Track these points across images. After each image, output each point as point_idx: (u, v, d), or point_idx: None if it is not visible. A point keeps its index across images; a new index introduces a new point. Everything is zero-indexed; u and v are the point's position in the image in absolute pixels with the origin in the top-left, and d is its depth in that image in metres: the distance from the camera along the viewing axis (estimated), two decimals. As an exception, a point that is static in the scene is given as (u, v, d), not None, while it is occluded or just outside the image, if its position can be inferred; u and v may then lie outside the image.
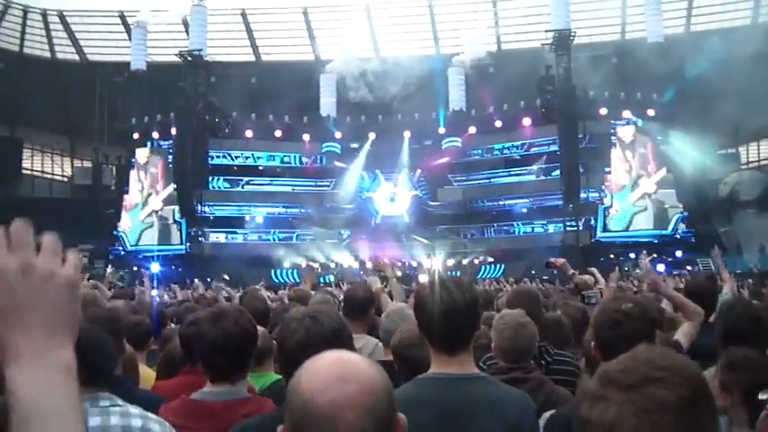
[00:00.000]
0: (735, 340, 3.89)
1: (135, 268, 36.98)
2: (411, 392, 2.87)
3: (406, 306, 4.97)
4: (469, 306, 3.01)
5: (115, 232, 40.18)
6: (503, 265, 35.47)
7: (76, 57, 46.39)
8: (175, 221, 39.55)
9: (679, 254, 34.25)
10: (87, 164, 47.73)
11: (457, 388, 2.93)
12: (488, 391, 3.02)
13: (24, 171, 46.85)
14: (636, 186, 37.53)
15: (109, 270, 35.62)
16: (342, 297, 6.34)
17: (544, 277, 23.05)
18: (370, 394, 1.48)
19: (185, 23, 42.14)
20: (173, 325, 6.49)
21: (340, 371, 1.50)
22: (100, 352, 3.17)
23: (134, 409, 3.02)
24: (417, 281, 17.90)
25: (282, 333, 3.02)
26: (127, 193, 41.13)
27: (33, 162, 48.49)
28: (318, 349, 2.72)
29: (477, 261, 37.89)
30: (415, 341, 3.53)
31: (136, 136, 40.87)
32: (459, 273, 34.19)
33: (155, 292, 14.82)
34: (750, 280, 17.25)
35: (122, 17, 44.18)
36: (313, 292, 8.88)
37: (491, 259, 37.56)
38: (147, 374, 4.76)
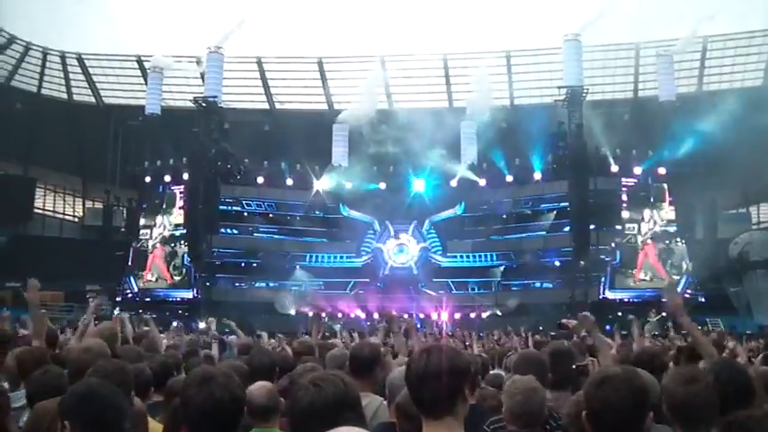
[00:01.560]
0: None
1: (141, 311, 37.12)
2: None
3: None
4: (449, 373, 2.97)
5: (124, 275, 40.12)
6: (510, 320, 35.21)
7: (93, 99, 46.81)
8: (184, 265, 39.61)
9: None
10: (98, 205, 47.99)
11: None
12: None
13: (36, 210, 47.00)
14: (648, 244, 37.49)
15: (116, 312, 35.70)
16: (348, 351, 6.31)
17: (552, 333, 22.83)
18: None
19: (201, 69, 42.55)
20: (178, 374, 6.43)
21: None
22: (109, 406, 3.19)
23: None
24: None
25: (291, 398, 3.01)
26: (137, 235, 41.24)
27: (45, 201, 48.70)
28: (322, 416, 2.73)
29: (484, 315, 37.71)
30: None
31: (148, 179, 41.08)
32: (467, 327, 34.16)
33: (164, 338, 14.82)
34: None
35: (139, 61, 44.64)
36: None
37: (499, 313, 37.36)
38: (154, 428, 4.73)
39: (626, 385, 3.12)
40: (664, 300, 34.84)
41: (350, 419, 2.63)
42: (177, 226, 40.76)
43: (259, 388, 4.30)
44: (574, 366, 5.86)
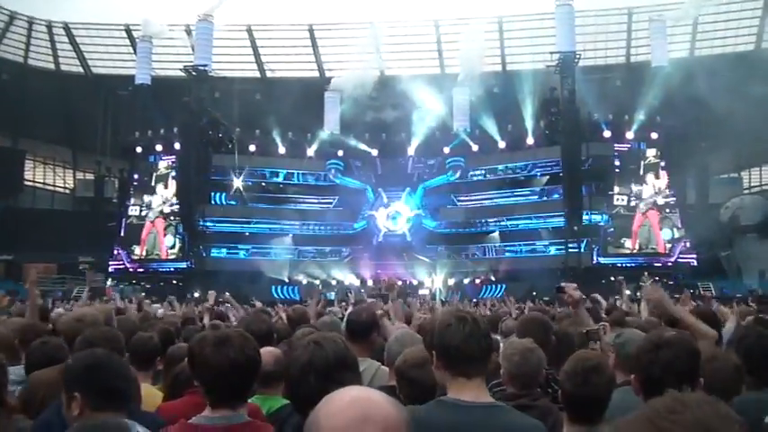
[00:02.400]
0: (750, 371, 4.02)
1: (134, 282, 37.15)
2: (433, 415, 2.92)
3: (413, 332, 5.03)
4: (487, 335, 3.12)
5: (116, 246, 40.04)
6: (504, 285, 35.35)
7: (81, 69, 46.41)
8: (177, 235, 39.52)
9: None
10: (90, 176, 47.82)
11: (476, 415, 2.97)
12: (505, 420, 3.06)
13: (26, 182, 46.81)
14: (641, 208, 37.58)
15: (109, 284, 35.75)
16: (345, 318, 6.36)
17: (545, 298, 22.93)
18: None
19: (191, 37, 42.28)
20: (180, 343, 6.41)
21: (361, 411, 1.48)
22: (119, 375, 3.18)
23: None
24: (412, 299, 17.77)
25: (290, 358, 3.05)
26: (129, 206, 41.09)
27: (35, 174, 48.51)
28: (321, 374, 2.76)
29: (478, 281, 37.86)
30: (419, 362, 3.59)
31: (139, 150, 40.89)
32: (459, 293, 34.27)
33: (160, 308, 14.85)
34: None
35: (128, 30, 44.25)
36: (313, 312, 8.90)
37: (492, 279, 37.51)
38: (154, 394, 4.71)
39: (684, 349, 3.25)
40: (657, 264, 35.29)
41: (349, 379, 2.63)
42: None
43: (266, 354, 4.29)
44: (585, 331, 5.89)
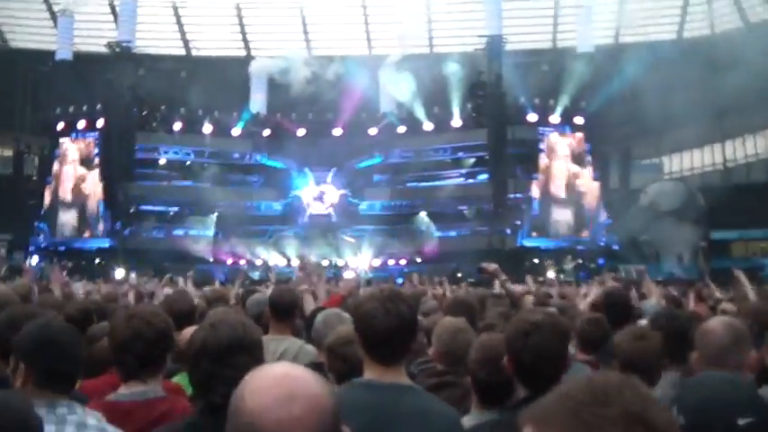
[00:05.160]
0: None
1: (55, 260, 36.39)
2: (346, 397, 2.85)
3: (341, 311, 5.11)
4: (413, 321, 3.12)
5: (37, 223, 39.26)
6: (429, 266, 35.56)
7: (-2, 43, 45.15)
8: (100, 214, 38.88)
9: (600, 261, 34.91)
10: (8, 153, 46.51)
11: (390, 396, 2.98)
12: (419, 402, 3.06)
13: (-59, 159, 45.46)
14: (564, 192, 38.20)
15: (28, 262, 34.96)
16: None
17: (470, 280, 23.10)
18: (318, 413, 1.44)
19: (114, 13, 41.46)
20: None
21: (287, 389, 1.44)
22: (67, 355, 3.09)
23: (91, 420, 2.96)
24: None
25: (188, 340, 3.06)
26: (50, 183, 40.29)
27: (-50, 150, 47.10)
28: (214, 358, 2.74)
29: (403, 262, 38.05)
30: (351, 339, 3.56)
31: (60, 126, 40.05)
32: (386, 274, 34.40)
33: (80, 287, 14.57)
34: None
35: (47, 3, 43.11)
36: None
37: (418, 260, 37.73)
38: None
39: (554, 332, 3.20)
40: (579, 247, 35.95)
41: (244, 363, 2.57)
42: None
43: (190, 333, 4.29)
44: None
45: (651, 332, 4.30)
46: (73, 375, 3.13)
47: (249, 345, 2.84)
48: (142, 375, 3.27)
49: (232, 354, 2.73)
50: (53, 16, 42.72)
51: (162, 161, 41.85)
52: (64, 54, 39.66)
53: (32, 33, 44.41)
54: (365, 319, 3.04)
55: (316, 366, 4.09)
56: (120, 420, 3.14)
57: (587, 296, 9.45)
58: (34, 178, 43.25)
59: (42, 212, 39.87)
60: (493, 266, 7.94)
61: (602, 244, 37.26)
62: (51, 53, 40.19)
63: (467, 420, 3.47)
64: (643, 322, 6.30)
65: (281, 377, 1.48)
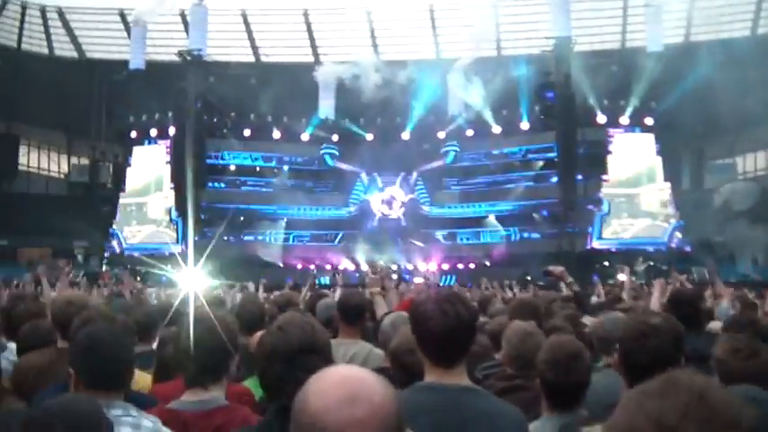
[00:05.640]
0: None
1: (129, 266, 37.07)
2: (410, 400, 2.84)
3: (406, 315, 5.05)
4: (471, 322, 3.07)
5: (111, 230, 40.10)
6: (499, 270, 35.34)
7: (75, 54, 46.18)
8: (172, 220, 39.50)
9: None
10: (84, 161, 47.64)
11: (454, 398, 2.96)
12: (484, 403, 3.05)
13: (20, 167, 46.60)
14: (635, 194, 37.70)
15: (104, 268, 35.77)
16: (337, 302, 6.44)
17: (539, 283, 22.90)
18: (380, 416, 1.45)
19: (185, 22, 42.13)
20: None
21: (350, 391, 1.46)
22: (113, 359, 3.19)
23: (147, 422, 3.03)
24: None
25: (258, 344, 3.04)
26: (124, 191, 41.11)
27: (30, 158, 48.27)
28: (285, 360, 2.74)
29: (472, 265, 37.86)
30: (412, 346, 3.60)
31: (134, 134, 40.92)
32: (454, 277, 34.30)
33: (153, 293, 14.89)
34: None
35: (122, 15, 44.04)
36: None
37: (487, 264, 37.51)
38: (141, 378, 4.71)
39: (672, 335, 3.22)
40: (651, 249, 35.39)
41: (315, 364, 2.52)
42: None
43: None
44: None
45: (759, 345, 3.89)
46: (118, 378, 3.19)
47: (319, 346, 2.84)
48: (205, 382, 3.29)
49: (303, 356, 2.73)
50: (127, 27, 43.57)
51: (232, 167, 42.40)
52: (137, 63, 40.49)
53: (108, 44, 45.39)
54: (421, 321, 3.04)
55: (382, 371, 4.16)
56: (178, 429, 3.19)
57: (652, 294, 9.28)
58: (109, 186, 44.15)
59: (117, 219, 40.60)
60: (559, 269, 7.87)
61: (674, 246, 36.59)
62: (125, 63, 40.99)
63: (537, 425, 3.46)
64: (715, 324, 6.19)
65: (345, 379, 1.49)
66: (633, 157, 38.10)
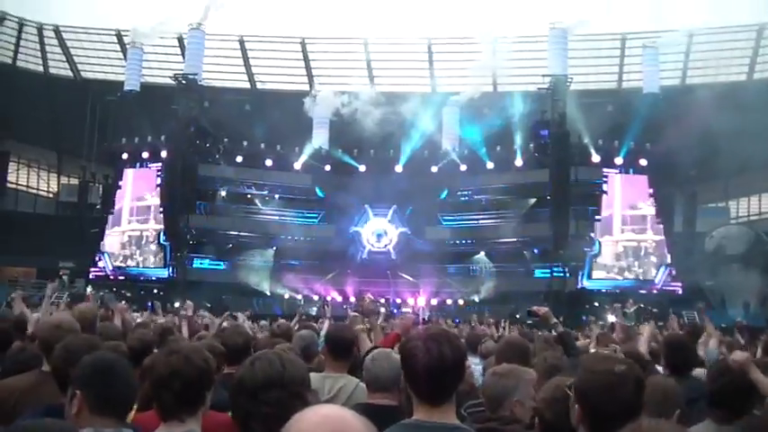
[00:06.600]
0: (720, 405, 4.32)
1: (114, 289, 36.76)
2: None
3: (391, 351, 4.98)
4: (456, 362, 3.06)
5: (98, 253, 39.81)
6: (488, 307, 35.17)
7: (70, 73, 46.19)
8: (160, 244, 39.27)
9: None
10: (74, 181, 47.41)
11: None
12: None
13: (9, 185, 46.43)
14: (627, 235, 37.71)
15: (89, 290, 35.39)
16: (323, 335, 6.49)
17: (528, 321, 22.67)
18: None
19: (182, 46, 42.14)
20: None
21: (332, 429, 1.46)
22: (123, 382, 3.23)
23: None
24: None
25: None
26: (113, 212, 40.86)
27: (19, 176, 48.15)
28: (248, 394, 2.72)
29: (461, 302, 37.67)
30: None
31: (125, 156, 40.74)
32: (443, 314, 34.07)
33: (138, 317, 14.59)
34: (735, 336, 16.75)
35: (119, 36, 44.05)
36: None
37: (477, 300, 37.35)
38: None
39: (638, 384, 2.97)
40: (641, 291, 35.25)
41: (275, 399, 2.66)
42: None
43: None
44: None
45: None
46: (125, 403, 3.24)
47: (287, 380, 2.80)
48: (180, 414, 3.20)
49: (267, 390, 2.74)
50: (123, 48, 43.57)
51: (223, 193, 42.27)
52: (132, 85, 40.34)
53: (103, 65, 45.40)
54: (407, 358, 3.07)
55: (365, 407, 4.08)
56: None
57: (642, 336, 9.06)
58: (98, 206, 43.89)
59: (103, 241, 40.32)
60: (543, 310, 7.67)
61: (665, 288, 36.50)
62: (120, 84, 40.90)
63: None
64: (700, 371, 6.08)
65: (326, 417, 1.50)
66: (626, 198, 38.07)
